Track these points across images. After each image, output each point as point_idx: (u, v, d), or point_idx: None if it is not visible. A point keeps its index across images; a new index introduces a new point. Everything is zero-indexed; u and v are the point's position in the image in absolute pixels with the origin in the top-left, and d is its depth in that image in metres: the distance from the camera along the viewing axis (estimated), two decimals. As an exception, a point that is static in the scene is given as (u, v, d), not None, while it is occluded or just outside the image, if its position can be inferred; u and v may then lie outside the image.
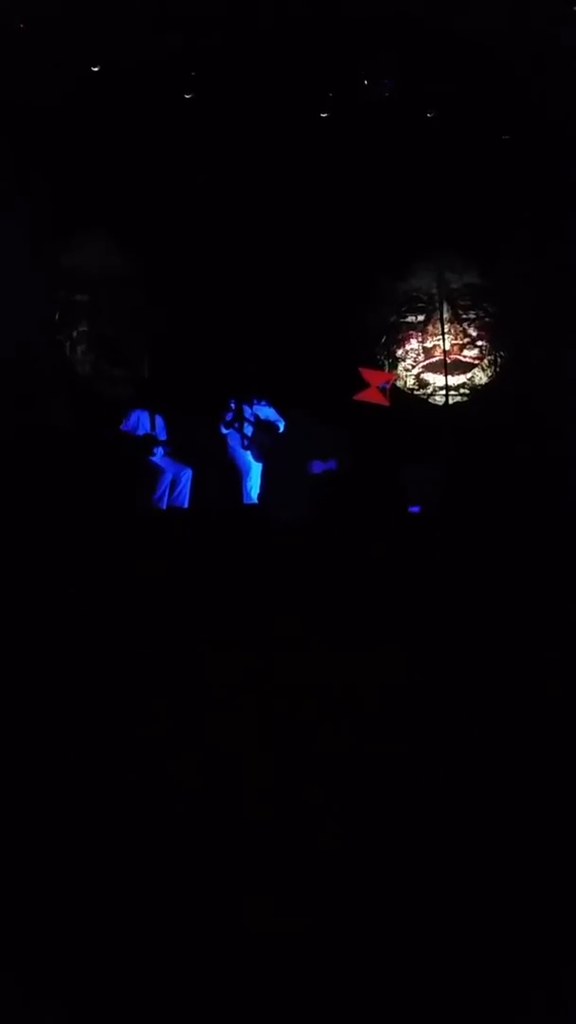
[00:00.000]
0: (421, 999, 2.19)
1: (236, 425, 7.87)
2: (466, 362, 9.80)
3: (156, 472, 7.43)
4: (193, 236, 8.93)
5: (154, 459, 7.49)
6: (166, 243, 8.94)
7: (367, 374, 8.26)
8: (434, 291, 9.85)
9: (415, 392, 9.80)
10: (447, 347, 9.74)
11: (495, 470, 7.62)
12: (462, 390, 9.77)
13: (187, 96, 8.53)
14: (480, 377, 9.78)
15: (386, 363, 9.83)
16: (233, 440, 7.90)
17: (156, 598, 4.25)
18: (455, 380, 9.75)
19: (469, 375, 9.80)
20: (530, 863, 2.60)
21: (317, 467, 7.87)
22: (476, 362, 9.80)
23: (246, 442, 7.85)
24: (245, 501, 7.88)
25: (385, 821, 2.80)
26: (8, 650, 3.59)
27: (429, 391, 9.80)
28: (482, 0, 7.57)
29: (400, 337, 9.93)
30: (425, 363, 9.85)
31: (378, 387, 8.02)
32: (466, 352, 9.82)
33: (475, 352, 9.81)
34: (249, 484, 7.91)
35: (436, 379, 9.78)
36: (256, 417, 7.93)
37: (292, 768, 3.02)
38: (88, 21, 7.78)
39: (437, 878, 2.56)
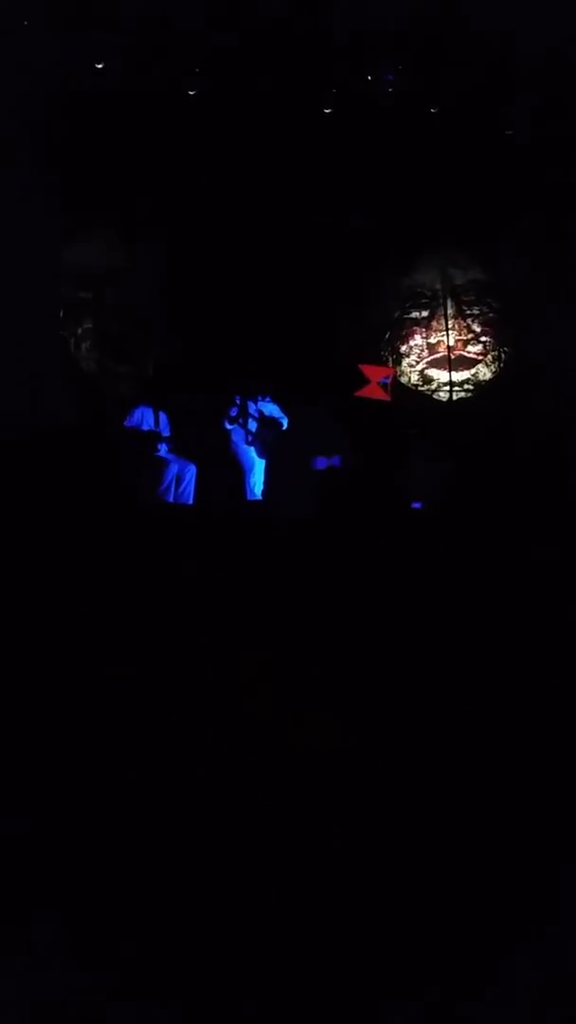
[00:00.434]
0: (419, 995, 2.20)
1: (240, 421, 7.88)
2: (470, 358, 9.81)
3: (160, 468, 7.44)
4: (197, 233, 8.94)
5: (158, 455, 7.50)
6: (170, 240, 8.95)
7: (367, 370, 8.29)
8: (438, 287, 9.85)
9: (419, 388, 9.80)
10: (451, 343, 9.74)
11: (499, 466, 7.61)
12: (466, 386, 9.77)
13: (191, 92, 8.54)
14: (484, 373, 9.78)
15: (390, 359, 9.84)
16: (237, 436, 7.91)
17: (160, 594, 4.26)
18: (459, 376, 9.76)
19: (473, 371, 9.80)
20: (529, 861, 2.61)
21: (321, 463, 7.89)
22: (480, 358, 9.80)
23: (250, 438, 7.86)
24: (249, 497, 7.89)
25: (389, 818, 2.81)
26: (11, 647, 3.61)
27: (433, 387, 9.80)
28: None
29: (404, 333, 9.93)
30: (429, 359, 9.85)
31: (378, 382, 8.04)
32: (470, 348, 9.82)
33: (479, 348, 9.81)
34: (253, 480, 7.92)
35: (440, 375, 9.78)
36: (260, 413, 7.94)
37: (295, 764, 3.03)
38: (93, 15, 7.80)
39: (437, 878, 2.56)
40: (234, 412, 7.89)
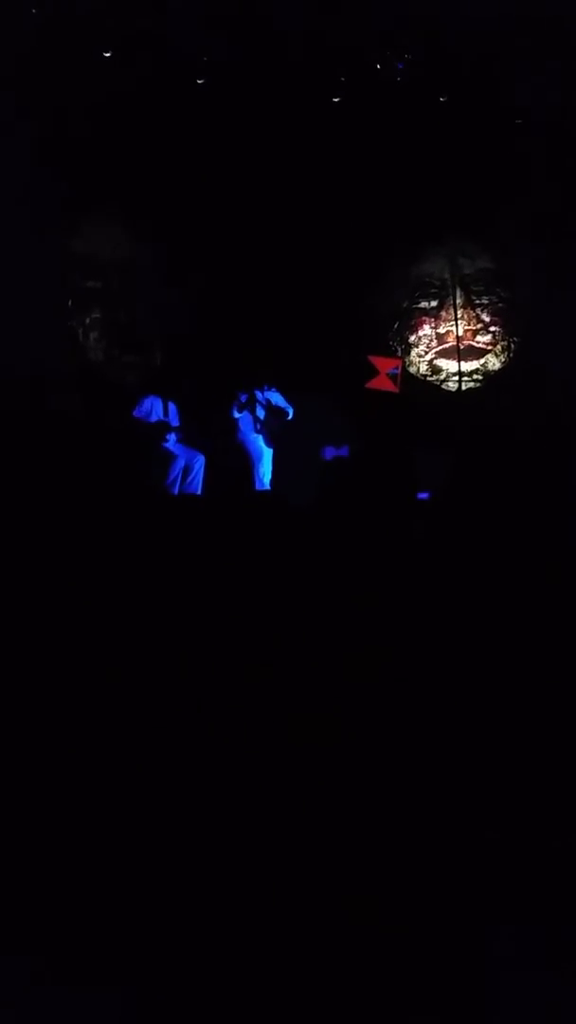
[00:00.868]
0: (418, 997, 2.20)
1: (248, 410, 7.86)
2: (479, 348, 9.77)
3: (169, 458, 7.45)
4: (205, 222, 8.92)
5: (167, 445, 7.50)
6: (178, 229, 8.93)
7: (376, 361, 8.27)
8: (447, 276, 9.82)
9: (428, 378, 9.78)
10: (460, 333, 9.71)
11: (508, 456, 7.60)
12: (475, 376, 9.74)
13: (199, 81, 8.52)
14: (493, 363, 9.75)
15: (399, 349, 9.82)
16: (245, 426, 7.90)
17: (169, 584, 4.27)
18: (468, 366, 9.73)
19: (482, 361, 9.77)
20: (529, 860, 2.60)
21: (329, 453, 7.89)
22: (489, 348, 9.76)
23: (258, 426, 7.85)
24: (257, 487, 7.89)
25: (393, 815, 2.81)
26: (15, 637, 3.62)
27: (442, 377, 9.78)
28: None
29: (413, 323, 9.91)
30: (438, 349, 9.82)
31: (387, 373, 8.03)
32: (479, 338, 9.78)
33: (488, 338, 9.77)
34: (262, 470, 7.92)
35: (449, 365, 9.76)
36: (268, 402, 7.93)
37: (301, 755, 3.04)
38: (100, 4, 7.78)
39: (436, 878, 2.56)
40: (245, 398, 7.87)
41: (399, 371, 8.48)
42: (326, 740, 3.09)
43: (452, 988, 2.22)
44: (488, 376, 9.72)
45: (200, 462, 7.56)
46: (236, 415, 7.87)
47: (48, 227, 8.34)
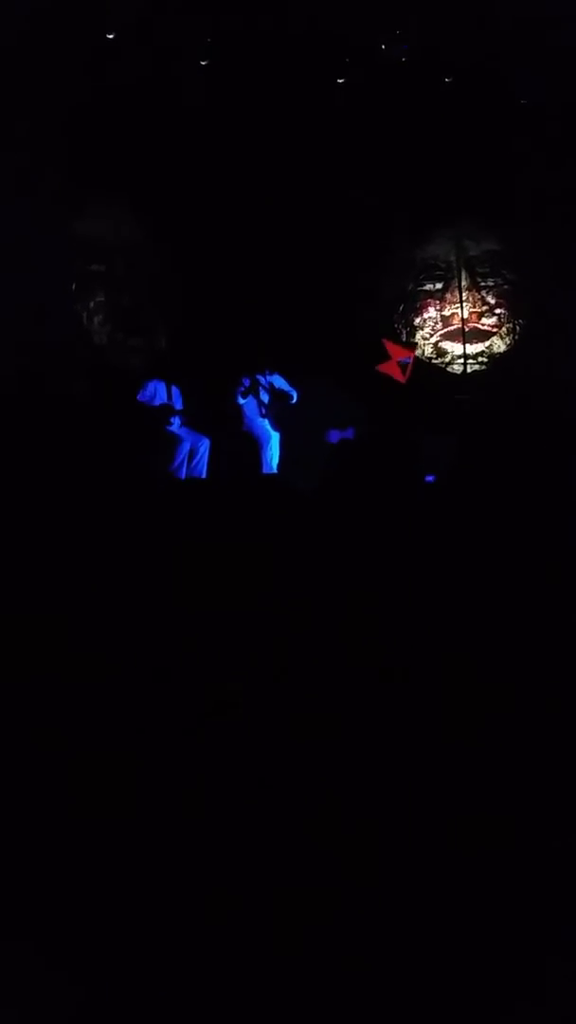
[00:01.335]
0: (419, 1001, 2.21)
1: (252, 394, 7.84)
2: (484, 330, 9.75)
3: (174, 442, 7.44)
4: (209, 205, 8.89)
5: (171, 429, 7.49)
6: (183, 213, 8.91)
7: (390, 347, 8.26)
8: (452, 258, 9.79)
9: (433, 361, 9.76)
10: (465, 315, 9.69)
11: (513, 439, 7.58)
12: (480, 358, 9.72)
13: (203, 63, 8.48)
14: (499, 345, 9.73)
15: (404, 331, 9.79)
16: (251, 410, 7.88)
17: (175, 568, 4.28)
18: (473, 348, 9.71)
19: (488, 343, 9.74)
20: (528, 861, 2.60)
21: (334, 436, 7.88)
22: (495, 330, 9.74)
23: (263, 410, 7.83)
24: (265, 470, 7.88)
25: (400, 811, 2.82)
26: (21, 620, 3.63)
27: (447, 359, 9.76)
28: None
29: (418, 305, 9.88)
30: (443, 331, 9.81)
31: (398, 361, 8.02)
32: (484, 320, 9.76)
33: (494, 320, 9.75)
34: (269, 454, 7.90)
35: (454, 347, 9.74)
36: (271, 386, 7.91)
37: (308, 740, 3.04)
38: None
39: (437, 878, 2.56)
40: (248, 382, 7.84)
41: (411, 362, 8.47)
42: (330, 723, 3.10)
43: (452, 988, 2.23)
44: (493, 358, 9.69)
45: (205, 445, 7.55)
46: (240, 401, 7.83)
47: (53, 210, 8.31)
